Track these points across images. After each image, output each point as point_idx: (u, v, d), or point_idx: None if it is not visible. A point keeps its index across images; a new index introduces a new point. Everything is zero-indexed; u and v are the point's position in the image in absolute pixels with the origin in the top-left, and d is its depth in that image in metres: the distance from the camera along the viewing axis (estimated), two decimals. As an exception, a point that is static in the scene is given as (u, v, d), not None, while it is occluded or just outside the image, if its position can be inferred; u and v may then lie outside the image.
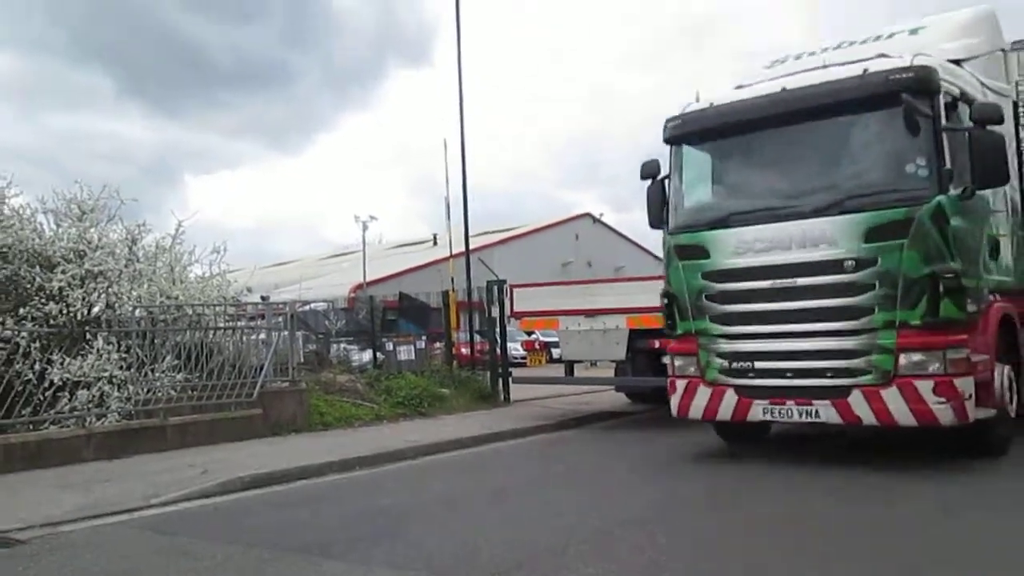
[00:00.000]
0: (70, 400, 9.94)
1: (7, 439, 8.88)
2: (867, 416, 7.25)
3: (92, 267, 11.51)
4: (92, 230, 12.19)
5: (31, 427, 9.42)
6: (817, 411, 7.49)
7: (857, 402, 7.26)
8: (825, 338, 7.43)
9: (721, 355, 8.08)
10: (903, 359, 7.08)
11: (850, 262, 7.25)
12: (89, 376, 10.18)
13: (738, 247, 7.92)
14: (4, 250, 11.28)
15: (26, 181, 36.98)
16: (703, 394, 8.21)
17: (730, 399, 7.99)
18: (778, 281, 7.63)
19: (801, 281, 7.51)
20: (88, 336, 10.69)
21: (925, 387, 6.98)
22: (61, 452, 9.07)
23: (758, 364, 7.84)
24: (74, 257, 11.61)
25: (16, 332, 10.06)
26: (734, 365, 7.99)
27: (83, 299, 11.22)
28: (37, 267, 11.35)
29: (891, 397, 7.12)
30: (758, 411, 7.83)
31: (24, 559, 5.54)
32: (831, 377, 7.39)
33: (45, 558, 5.55)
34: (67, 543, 5.94)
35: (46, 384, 9.84)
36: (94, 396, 10.15)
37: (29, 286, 11.23)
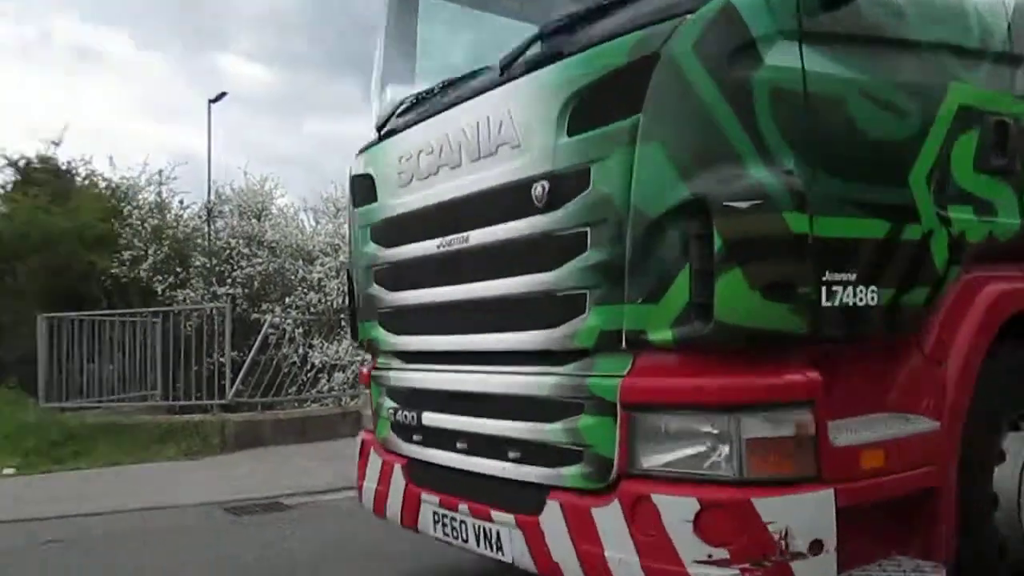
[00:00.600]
0: (328, 381, 10.87)
1: (276, 415, 9.86)
2: (571, 566, 2.81)
3: (346, 259, 12.53)
4: (346, 225, 13.29)
5: (296, 404, 10.42)
6: (498, 535, 3.16)
7: (554, 528, 2.89)
8: (505, 368, 3.20)
9: (390, 393, 4.01)
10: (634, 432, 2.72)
11: (540, 184, 2.90)
12: (344, 360, 11.08)
13: (402, 170, 3.76)
14: (272, 245, 12.58)
15: (288, 183, 41.09)
16: (373, 467, 4.14)
17: (398, 484, 3.85)
18: (446, 240, 3.44)
19: (475, 237, 3.28)
20: (343, 323, 11.62)
21: (675, 512, 2.51)
22: (321, 427, 9.90)
23: (427, 417, 3.64)
24: (330, 251, 12.73)
25: (283, 319, 11.14)
26: (399, 416, 3.85)
27: (339, 289, 12.23)
28: (300, 260, 12.55)
29: (609, 528, 2.69)
30: (428, 516, 3.61)
31: (290, 523, 6.08)
32: (515, 460, 3.12)
33: (307, 523, 6.06)
34: (325, 510, 6.42)
35: (308, 367, 10.83)
36: (348, 378, 11.03)
37: (293, 277, 12.44)
